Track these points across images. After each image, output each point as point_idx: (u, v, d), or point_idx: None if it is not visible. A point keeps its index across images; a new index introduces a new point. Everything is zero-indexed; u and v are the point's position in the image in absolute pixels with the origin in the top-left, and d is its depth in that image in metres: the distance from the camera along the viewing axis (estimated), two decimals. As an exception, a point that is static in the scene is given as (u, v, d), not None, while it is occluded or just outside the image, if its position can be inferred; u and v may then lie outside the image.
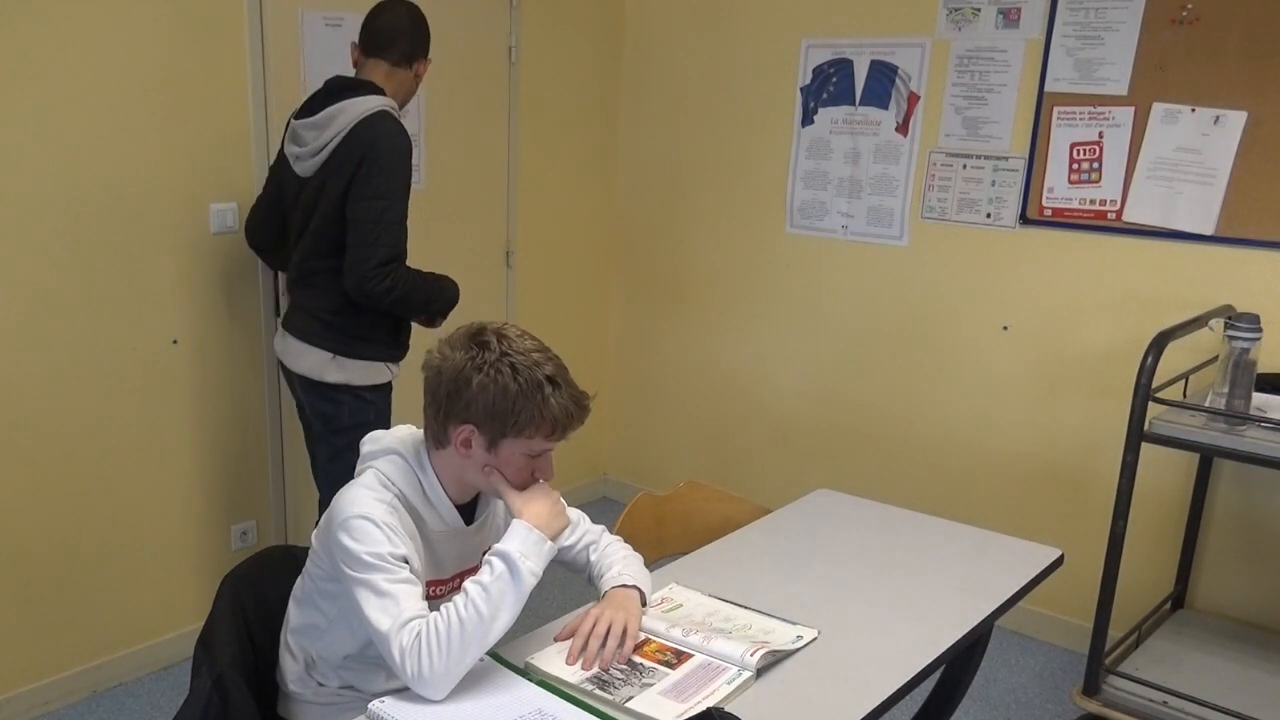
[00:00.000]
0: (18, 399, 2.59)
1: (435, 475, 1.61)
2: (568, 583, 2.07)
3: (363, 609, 1.48)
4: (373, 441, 1.66)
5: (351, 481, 1.60)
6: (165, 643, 2.97)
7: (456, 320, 1.70)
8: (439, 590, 1.65)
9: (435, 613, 1.47)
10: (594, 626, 1.58)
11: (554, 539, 1.56)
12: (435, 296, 2.63)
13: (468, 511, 1.67)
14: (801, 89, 3.62)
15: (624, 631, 1.59)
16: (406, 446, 1.63)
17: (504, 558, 1.50)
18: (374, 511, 1.52)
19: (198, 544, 3.01)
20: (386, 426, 2.56)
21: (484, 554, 1.54)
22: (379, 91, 2.54)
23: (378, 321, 2.59)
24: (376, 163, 2.44)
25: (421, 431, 1.65)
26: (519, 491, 1.58)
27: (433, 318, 2.68)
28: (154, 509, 2.90)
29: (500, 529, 1.71)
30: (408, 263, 2.53)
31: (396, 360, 2.68)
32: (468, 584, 1.49)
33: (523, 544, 1.51)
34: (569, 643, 1.59)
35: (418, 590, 1.51)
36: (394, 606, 1.46)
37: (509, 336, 1.56)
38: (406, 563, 1.51)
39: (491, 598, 1.46)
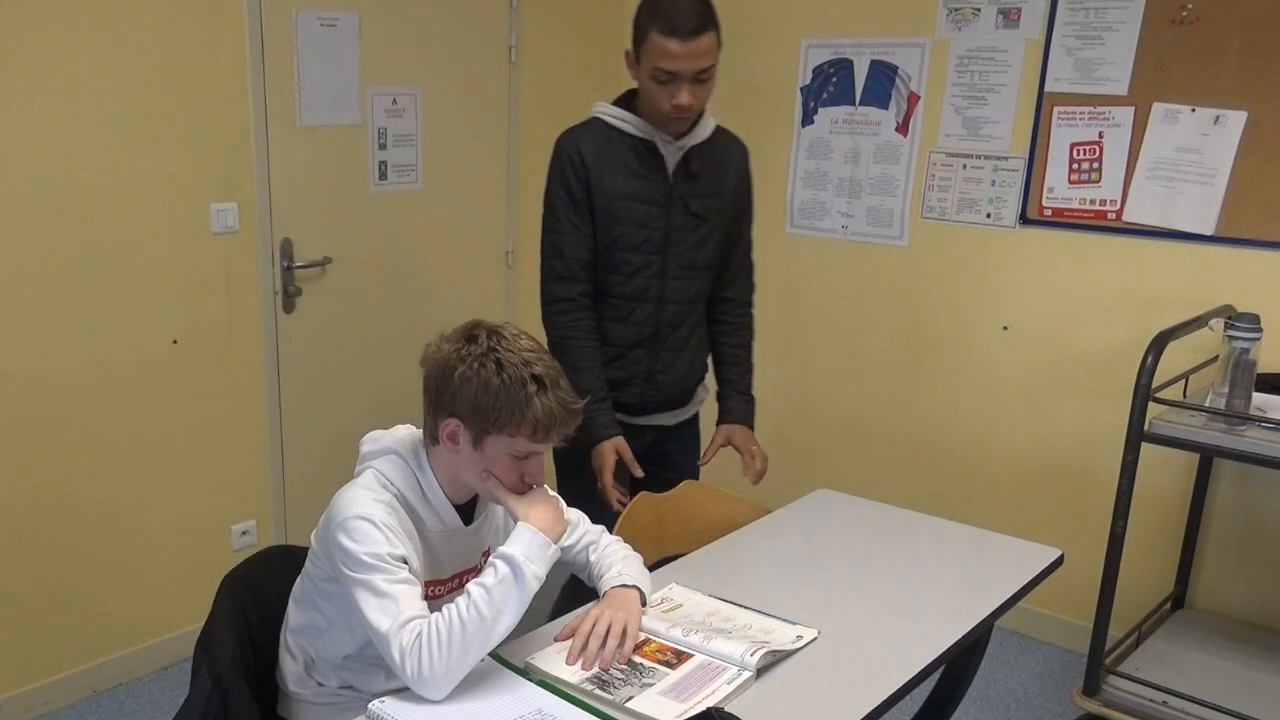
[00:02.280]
0: (17, 398, 2.59)
1: (433, 475, 1.61)
2: (567, 584, 2.06)
3: (362, 609, 1.48)
4: (371, 441, 1.65)
5: (350, 482, 1.60)
6: (165, 643, 2.97)
7: (455, 321, 1.68)
8: (437, 590, 1.65)
9: (437, 613, 1.47)
10: (594, 626, 1.58)
11: (556, 542, 1.56)
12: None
13: (466, 512, 1.67)
14: (801, 89, 3.62)
15: (624, 631, 1.58)
16: (405, 446, 1.63)
17: (508, 561, 1.49)
18: (372, 512, 1.51)
19: (198, 544, 3.01)
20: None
21: (483, 554, 1.54)
22: (622, 99, 2.51)
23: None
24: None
25: (420, 432, 1.65)
26: (519, 496, 1.58)
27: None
28: (154, 509, 2.90)
29: (499, 529, 1.72)
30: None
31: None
32: (471, 585, 1.49)
33: (527, 548, 1.51)
34: (569, 643, 1.59)
35: (417, 590, 1.51)
36: (393, 607, 1.46)
37: (503, 335, 1.56)
38: (405, 563, 1.51)
39: (494, 600, 1.46)
